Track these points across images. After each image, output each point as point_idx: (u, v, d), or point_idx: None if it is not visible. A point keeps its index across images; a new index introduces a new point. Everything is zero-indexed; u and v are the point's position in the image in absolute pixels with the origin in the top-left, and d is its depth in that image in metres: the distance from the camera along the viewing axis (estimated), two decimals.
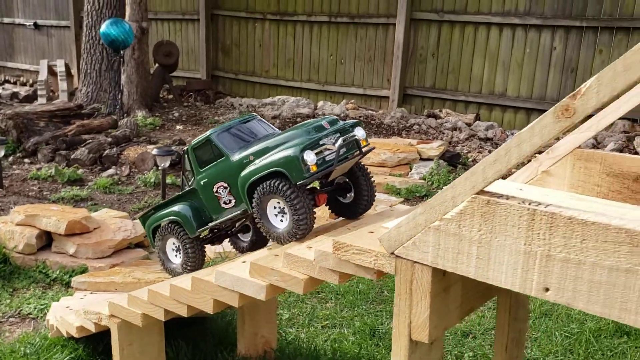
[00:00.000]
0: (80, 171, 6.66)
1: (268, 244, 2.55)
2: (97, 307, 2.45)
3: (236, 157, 2.37)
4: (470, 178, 1.45)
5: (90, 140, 7.19)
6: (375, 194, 2.45)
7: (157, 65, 10.65)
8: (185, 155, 2.56)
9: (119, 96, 9.46)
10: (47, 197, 5.87)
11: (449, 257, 1.52)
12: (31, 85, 12.44)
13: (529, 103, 8.83)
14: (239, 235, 2.76)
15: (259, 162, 2.24)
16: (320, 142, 2.23)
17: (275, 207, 2.23)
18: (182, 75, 11.98)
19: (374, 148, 2.52)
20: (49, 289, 3.84)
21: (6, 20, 14.60)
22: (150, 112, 9.72)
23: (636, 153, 7.43)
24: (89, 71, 9.92)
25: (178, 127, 9.39)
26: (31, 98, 10.77)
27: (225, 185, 2.41)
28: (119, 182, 6.48)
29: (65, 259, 4.03)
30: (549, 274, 1.37)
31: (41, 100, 10.34)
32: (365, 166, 2.47)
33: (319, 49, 10.73)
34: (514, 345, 2.28)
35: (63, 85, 10.70)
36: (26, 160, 7.07)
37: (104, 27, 8.58)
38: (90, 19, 9.80)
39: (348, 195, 2.45)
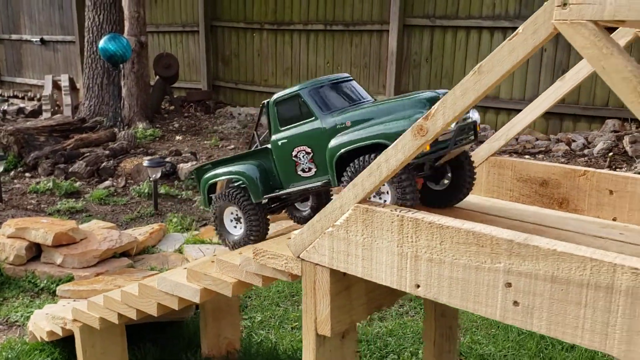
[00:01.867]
0: (77, 184, 6.93)
1: None
2: (64, 313, 2.68)
3: (329, 120, 2.09)
4: (353, 189, 1.65)
5: (88, 154, 7.47)
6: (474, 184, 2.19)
7: (157, 77, 10.93)
8: (264, 109, 2.30)
9: (120, 109, 9.76)
10: (45, 210, 6.15)
11: (341, 259, 1.72)
12: (38, 100, 12.80)
13: (521, 105, 8.93)
14: (295, 204, 2.49)
15: (359, 131, 1.97)
16: None
17: None
18: (184, 86, 12.27)
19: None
20: (36, 297, 4.09)
21: (14, 36, 15.02)
22: (150, 124, 10.00)
23: (625, 152, 7.53)
24: (91, 85, 10.25)
25: (178, 137, 9.65)
26: (37, 113, 11.12)
27: (309, 150, 2.13)
28: (115, 194, 6.74)
29: (53, 269, 4.28)
30: (418, 273, 1.57)
31: (46, 115, 10.68)
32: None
33: (316, 56, 10.95)
34: (444, 340, 2.47)
35: (67, 99, 11.03)
36: (27, 174, 7.37)
37: (102, 43, 8.88)
38: (91, 35, 10.13)
39: (441, 182, 2.19)
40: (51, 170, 7.28)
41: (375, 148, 1.91)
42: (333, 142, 2.01)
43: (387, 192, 1.88)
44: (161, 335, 3.32)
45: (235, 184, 2.34)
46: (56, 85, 11.78)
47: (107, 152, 7.59)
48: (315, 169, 2.14)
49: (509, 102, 8.99)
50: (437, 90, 2.03)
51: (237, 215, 2.36)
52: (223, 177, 2.36)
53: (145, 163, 6.10)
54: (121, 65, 9.47)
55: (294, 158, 2.18)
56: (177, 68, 10.97)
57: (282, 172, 2.23)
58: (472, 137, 2.08)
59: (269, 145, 2.25)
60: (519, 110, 9.44)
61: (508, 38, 1.34)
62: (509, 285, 1.43)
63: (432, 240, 1.53)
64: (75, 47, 13.69)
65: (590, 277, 1.30)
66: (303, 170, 2.17)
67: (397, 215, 1.58)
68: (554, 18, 1.25)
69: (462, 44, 9.31)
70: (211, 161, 2.47)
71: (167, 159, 7.47)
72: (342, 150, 1.97)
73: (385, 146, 1.80)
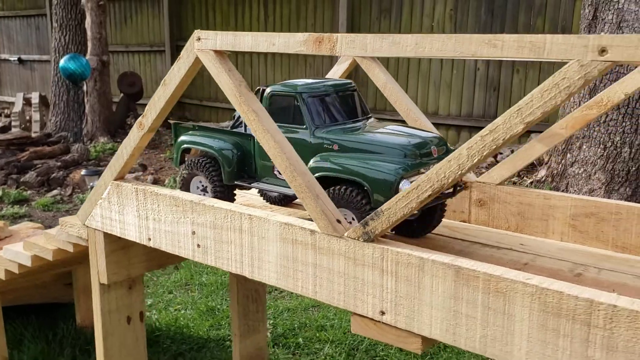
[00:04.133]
0: (27, 192, 7.57)
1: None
2: None
3: (318, 135, 2.05)
4: (109, 170, 2.29)
5: (40, 165, 8.11)
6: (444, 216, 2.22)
7: (122, 94, 11.62)
8: (259, 96, 2.20)
9: (84, 124, 10.44)
10: None
11: (107, 223, 2.35)
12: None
13: (457, 120, 9.60)
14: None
15: (343, 160, 1.94)
16: (421, 170, 1.93)
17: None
18: None
19: (464, 187, 2.19)
20: None
21: None
22: (112, 138, 10.65)
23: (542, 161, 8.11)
24: (57, 102, 10.94)
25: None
26: (7, 129, 11.79)
27: None
28: (61, 201, 7.37)
29: None
30: (148, 229, 2.20)
31: (15, 130, 11.35)
32: None
33: (274, 74, 11.64)
34: (249, 301, 3.08)
35: (36, 116, 11.73)
36: None
37: (62, 62, 9.59)
38: (57, 55, 10.84)
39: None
40: (5, 180, 7.92)
41: (352, 182, 1.93)
42: (315, 163, 2.00)
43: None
44: (51, 313, 3.92)
45: (211, 157, 2.32)
46: (29, 102, 12.49)
47: (58, 163, 8.23)
48: None
49: (446, 118, 9.63)
50: (421, 134, 2.07)
51: (204, 186, 2.34)
52: (201, 148, 2.34)
53: (83, 172, 6.74)
54: (83, 83, 10.16)
55: None
56: (140, 85, 11.65)
57: (259, 165, 2.23)
58: (451, 192, 2.06)
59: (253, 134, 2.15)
60: (456, 126, 10.21)
61: (177, 60, 1.98)
62: (194, 233, 2.05)
63: (153, 204, 2.16)
64: (51, 67, 14.41)
65: (231, 223, 1.93)
66: (280, 172, 2.10)
67: (134, 188, 2.21)
68: (195, 48, 1.89)
69: (404, 62, 9.98)
70: (193, 123, 2.49)
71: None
72: (322, 174, 1.96)
73: (362, 186, 1.89)
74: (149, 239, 2.21)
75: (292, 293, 4.44)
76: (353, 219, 1.92)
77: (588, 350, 1.32)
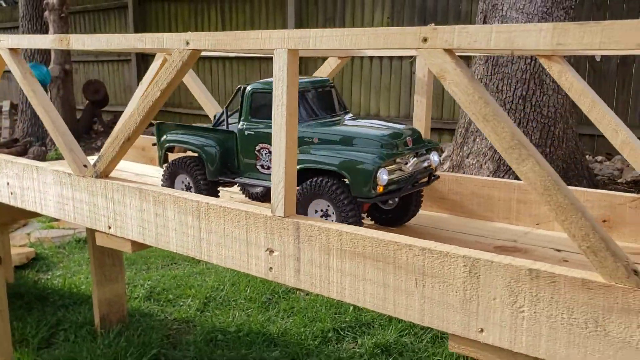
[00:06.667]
0: None
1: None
2: None
3: (299, 129, 2.11)
4: None
5: None
6: (421, 204, 2.36)
7: (87, 101, 12.45)
8: (240, 94, 2.33)
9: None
10: None
11: None
12: None
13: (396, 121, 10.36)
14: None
15: (322, 152, 2.05)
16: (397, 160, 2.06)
17: (318, 209, 2.07)
18: (119, 110, 13.78)
19: (438, 177, 2.35)
20: None
21: None
22: None
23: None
24: (24, 109, 11.77)
25: (97, 154, 11.11)
26: None
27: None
28: None
29: None
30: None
31: None
32: None
33: (232, 81, 12.45)
34: (105, 256, 3.83)
35: (6, 122, 12.57)
36: None
37: None
38: None
39: (389, 202, 2.30)
40: None
41: (333, 173, 2.04)
42: (297, 156, 2.04)
43: (333, 213, 2.03)
44: None
45: (194, 155, 2.44)
46: (0, 110, 13.32)
47: None
48: None
49: (386, 119, 10.40)
50: (396, 126, 2.23)
51: (188, 183, 2.46)
52: (184, 146, 2.45)
53: None
54: (46, 91, 11.00)
55: (256, 152, 2.26)
56: (104, 93, 12.47)
57: (242, 160, 2.33)
58: (425, 181, 2.21)
59: (235, 130, 2.33)
60: None
61: None
62: (8, 184, 2.81)
63: (22, 173, 2.92)
64: None
65: (27, 174, 2.68)
66: (262, 167, 2.26)
67: None
68: None
69: (348, 68, 10.77)
70: (175, 123, 2.63)
71: None
72: (302, 167, 2.05)
73: (339, 177, 2.01)
74: (45, 208, 2.96)
75: (185, 261, 5.20)
76: (328, 207, 2.05)
77: (200, 234, 2.07)
